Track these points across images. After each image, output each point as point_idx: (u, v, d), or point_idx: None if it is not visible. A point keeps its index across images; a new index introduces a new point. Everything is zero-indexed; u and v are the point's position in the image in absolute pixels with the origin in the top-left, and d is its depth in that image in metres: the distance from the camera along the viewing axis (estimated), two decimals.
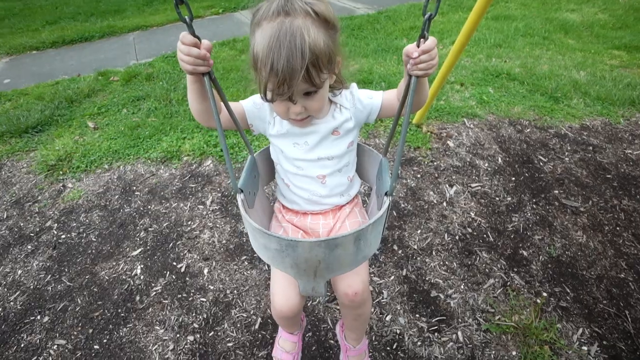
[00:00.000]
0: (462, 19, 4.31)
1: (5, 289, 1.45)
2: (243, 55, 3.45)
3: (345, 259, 0.68)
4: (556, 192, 1.75)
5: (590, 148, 2.04)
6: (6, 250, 1.62)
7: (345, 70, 0.80)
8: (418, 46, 0.60)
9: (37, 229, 1.72)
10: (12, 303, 1.40)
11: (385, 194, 0.73)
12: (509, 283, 1.33)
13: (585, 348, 1.15)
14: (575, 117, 2.33)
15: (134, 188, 1.92)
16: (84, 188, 1.95)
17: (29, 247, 1.63)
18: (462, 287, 1.32)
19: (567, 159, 1.97)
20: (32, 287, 1.45)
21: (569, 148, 2.05)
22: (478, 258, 1.43)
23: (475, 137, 2.14)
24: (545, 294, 1.29)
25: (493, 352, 1.14)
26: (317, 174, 0.86)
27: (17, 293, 1.43)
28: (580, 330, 1.19)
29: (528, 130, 2.22)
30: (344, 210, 0.92)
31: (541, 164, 1.93)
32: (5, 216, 1.81)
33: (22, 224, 1.76)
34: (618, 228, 1.56)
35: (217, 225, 1.65)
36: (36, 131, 2.48)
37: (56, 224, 1.74)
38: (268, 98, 0.71)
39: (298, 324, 1.02)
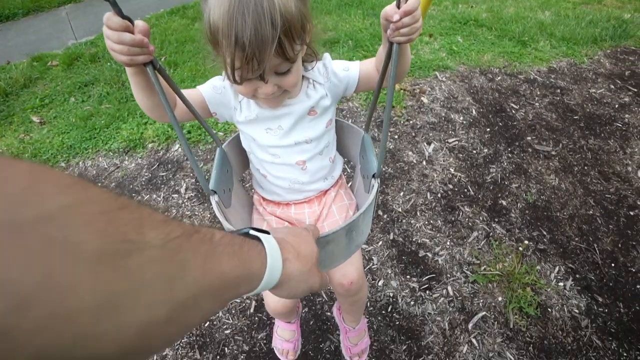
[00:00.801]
0: None
1: None
2: (197, 23, 3.15)
3: (338, 253, 0.66)
4: (529, 138, 1.79)
5: (558, 91, 2.08)
6: None
7: (317, 38, 0.69)
8: (398, 7, 0.52)
9: None
10: None
11: (373, 176, 0.69)
12: (491, 234, 1.39)
13: (561, 284, 1.24)
14: (542, 60, 2.34)
15: (99, 184, 1.78)
16: None
17: None
18: (448, 243, 1.37)
19: (537, 104, 2.00)
20: None
21: (538, 93, 2.08)
22: (461, 213, 1.46)
23: (448, 91, 2.11)
24: (525, 241, 1.36)
25: (481, 300, 1.21)
26: (295, 160, 0.77)
27: None
28: (557, 268, 1.28)
29: (499, 78, 2.21)
30: (329, 195, 0.85)
31: (513, 111, 1.96)
32: None
33: None
34: (586, 167, 1.63)
35: (196, 213, 1.58)
36: None
37: None
38: (236, 79, 0.59)
39: (294, 312, 1.01)
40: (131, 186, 1.75)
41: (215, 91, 0.72)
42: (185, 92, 0.64)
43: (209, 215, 1.57)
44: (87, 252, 0.20)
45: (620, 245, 1.34)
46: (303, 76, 0.73)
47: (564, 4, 3.01)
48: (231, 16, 0.52)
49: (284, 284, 0.43)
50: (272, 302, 0.86)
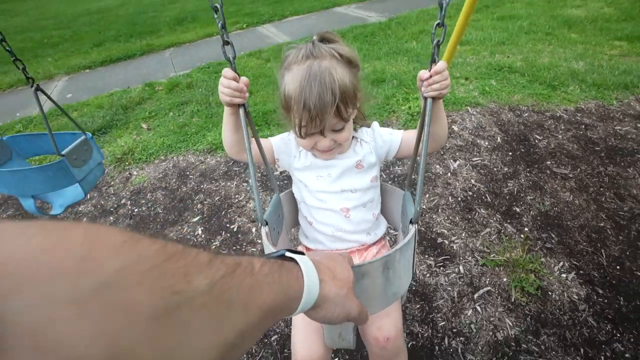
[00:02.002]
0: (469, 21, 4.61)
1: None
2: (269, 63, 3.88)
3: (374, 293, 0.64)
4: (548, 162, 2.01)
5: (583, 126, 2.29)
6: (94, 221, 2.04)
7: (366, 103, 0.86)
8: (429, 70, 0.65)
9: (115, 205, 2.14)
10: None
11: (410, 221, 0.72)
12: (502, 231, 1.61)
13: (564, 275, 1.41)
14: (570, 101, 2.57)
15: (188, 173, 2.32)
16: (147, 174, 2.37)
17: (111, 218, 2.05)
18: (463, 234, 1.61)
19: (560, 136, 2.22)
20: None
21: (562, 127, 2.30)
22: (477, 213, 1.71)
23: (477, 122, 2.42)
24: (532, 238, 1.56)
25: (488, 279, 1.42)
26: (340, 206, 0.84)
27: None
28: (561, 263, 1.46)
29: (526, 114, 2.48)
30: (371, 251, 0.88)
31: (536, 141, 2.20)
32: (88, 197, 2.25)
33: (102, 202, 2.18)
34: (602, 189, 1.80)
35: (260, 197, 2.01)
36: (101, 133, 2.95)
37: (129, 202, 2.15)
38: (301, 134, 0.75)
39: None
40: (211, 176, 2.25)
41: (282, 142, 0.88)
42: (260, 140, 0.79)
43: (269, 199, 1.99)
44: (143, 312, 0.22)
45: (628, 253, 1.48)
46: (353, 136, 0.86)
47: (600, 56, 3.24)
48: (302, 87, 0.69)
49: (320, 305, 0.45)
50: (301, 354, 0.82)
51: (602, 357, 1.15)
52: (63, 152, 1.10)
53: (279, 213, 0.86)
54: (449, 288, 1.40)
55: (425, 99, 0.67)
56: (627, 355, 1.14)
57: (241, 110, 0.70)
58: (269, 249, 0.67)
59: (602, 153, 2.04)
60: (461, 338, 1.24)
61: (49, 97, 1.17)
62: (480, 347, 1.21)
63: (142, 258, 0.24)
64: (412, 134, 0.83)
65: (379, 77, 3.15)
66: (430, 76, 0.65)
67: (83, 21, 7.94)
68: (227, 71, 0.68)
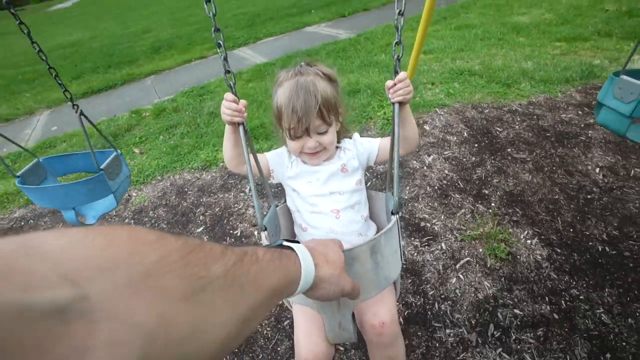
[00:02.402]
0: (430, 31, 5.03)
1: None
2: (250, 83, 4.10)
3: (366, 276, 0.70)
4: (509, 150, 2.30)
5: (535, 117, 2.62)
6: None
7: (346, 116, 0.99)
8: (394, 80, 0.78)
9: (118, 221, 2.24)
10: None
11: (392, 213, 0.79)
12: (475, 210, 1.85)
13: (529, 241, 1.65)
14: (523, 96, 2.92)
15: (186, 189, 2.46)
16: (146, 195, 2.49)
17: None
18: (442, 217, 1.84)
19: (517, 126, 2.53)
20: None
21: (518, 119, 2.62)
22: (452, 198, 1.95)
23: (445, 121, 2.71)
24: (500, 214, 1.81)
25: (466, 251, 1.65)
26: (330, 208, 0.93)
27: None
28: (526, 231, 1.70)
29: (487, 110, 2.79)
30: None
31: (497, 132, 2.50)
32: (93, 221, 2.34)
33: (106, 222, 2.28)
34: (554, 167, 2.09)
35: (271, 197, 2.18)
36: None
37: (132, 221, 2.27)
38: (291, 135, 0.88)
39: None
40: (209, 190, 2.40)
41: (276, 155, 1.02)
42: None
43: (266, 205, 2.16)
44: (177, 294, 0.28)
45: (578, 218, 1.75)
46: (337, 146, 0.99)
47: (544, 56, 3.66)
48: (291, 96, 0.85)
49: (317, 285, 0.52)
50: (304, 349, 0.84)
51: (563, 302, 1.38)
52: (102, 167, 1.25)
53: (276, 224, 0.94)
54: (435, 262, 1.61)
55: (393, 104, 0.79)
56: (581, 297, 1.38)
57: (240, 128, 0.81)
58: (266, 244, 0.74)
59: (552, 138, 2.35)
60: (449, 302, 1.45)
61: (90, 123, 1.31)
62: (465, 307, 1.41)
63: (172, 251, 0.29)
64: (388, 140, 0.94)
65: (354, 88, 3.42)
66: (395, 84, 0.78)
67: (56, 55, 7.94)
68: (229, 95, 0.80)
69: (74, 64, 6.89)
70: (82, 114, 1.25)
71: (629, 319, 1.28)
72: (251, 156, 0.84)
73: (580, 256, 1.56)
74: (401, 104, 0.80)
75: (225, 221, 2.09)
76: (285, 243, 0.53)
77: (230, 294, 0.34)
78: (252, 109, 3.36)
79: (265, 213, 0.85)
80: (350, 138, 1.02)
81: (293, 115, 0.85)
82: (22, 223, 2.44)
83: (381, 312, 0.84)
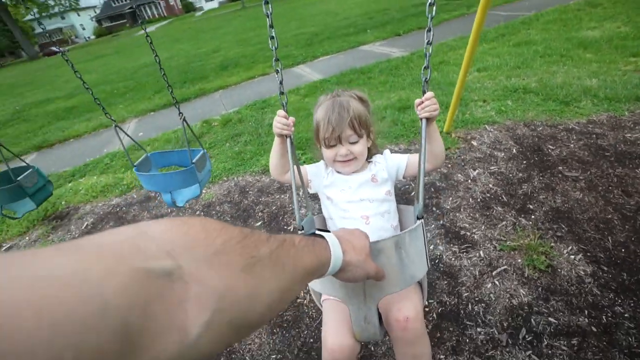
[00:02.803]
0: (486, 49, 5.00)
1: None
2: (306, 98, 4.47)
3: (391, 270, 0.75)
4: (560, 168, 2.27)
5: (594, 136, 2.53)
6: None
7: (377, 135, 1.12)
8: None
9: (191, 215, 2.65)
10: None
11: (417, 217, 0.83)
12: (517, 223, 1.89)
13: (572, 257, 1.66)
14: (582, 115, 2.82)
15: (247, 189, 2.81)
16: (214, 192, 2.89)
17: None
18: (482, 227, 1.91)
19: (572, 145, 2.48)
20: None
21: (574, 137, 2.56)
22: (494, 211, 2.01)
23: (494, 137, 2.74)
24: (544, 228, 1.83)
25: (504, 260, 1.70)
26: (360, 214, 1.02)
27: None
28: (570, 247, 1.71)
29: (540, 128, 2.76)
30: None
31: (549, 150, 2.47)
32: (169, 211, 2.79)
33: (181, 214, 2.70)
34: (610, 187, 2.03)
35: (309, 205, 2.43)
36: None
37: (202, 213, 2.66)
38: (326, 144, 1.03)
39: None
40: (267, 191, 2.72)
41: (315, 167, 1.14)
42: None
43: (317, 207, 2.40)
44: (239, 267, 0.37)
45: (633, 239, 1.70)
46: (369, 161, 1.12)
47: (614, 72, 3.46)
48: (327, 112, 1.01)
49: (345, 269, 0.61)
50: (331, 341, 0.90)
51: (604, 317, 1.38)
52: (194, 161, 1.61)
53: (314, 230, 0.98)
54: (471, 268, 1.70)
55: (421, 120, 0.92)
56: (625, 315, 1.37)
57: (288, 140, 0.96)
58: None
59: (612, 157, 2.27)
60: (482, 304, 1.53)
61: (189, 127, 1.69)
62: (498, 310, 1.48)
63: (232, 237, 0.38)
64: (416, 156, 1.04)
65: (404, 105, 3.58)
66: (422, 102, 0.91)
67: (142, 73, 9.28)
68: (281, 112, 0.97)
69: (156, 80, 8.00)
70: (184, 120, 1.60)
71: None
72: (295, 168, 0.95)
73: (630, 276, 1.53)
74: (428, 120, 0.92)
75: (280, 218, 2.37)
76: (317, 232, 0.63)
77: (275, 270, 0.42)
78: (308, 122, 3.69)
79: (303, 219, 0.93)
80: (381, 154, 1.14)
81: (328, 126, 1.01)
82: (118, 209, 2.98)
83: (406, 307, 0.88)
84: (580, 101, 3.02)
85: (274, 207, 2.50)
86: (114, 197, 3.18)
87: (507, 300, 1.52)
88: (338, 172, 1.11)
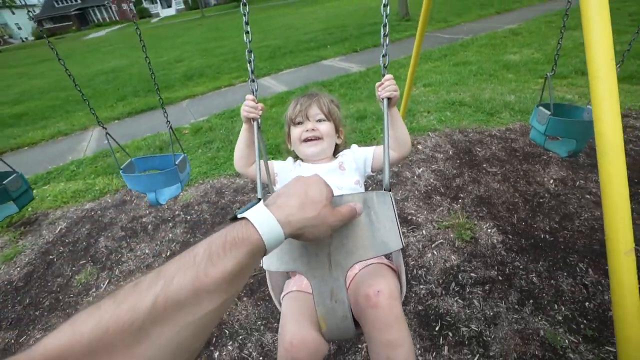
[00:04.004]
0: (431, 67, 5.72)
1: (167, 243, 2.53)
2: (273, 108, 4.81)
3: (361, 232, 0.66)
4: (484, 165, 2.84)
5: (509, 140, 3.17)
6: (158, 227, 2.73)
7: (345, 131, 1.22)
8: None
9: (171, 216, 2.84)
10: (173, 248, 2.47)
11: (385, 190, 0.76)
12: (450, 208, 2.39)
13: (489, 230, 2.17)
14: (502, 124, 3.49)
15: (223, 190, 3.07)
16: (191, 194, 3.10)
17: (170, 224, 2.74)
18: (425, 212, 2.38)
19: (493, 147, 3.09)
20: (181, 240, 2.54)
21: (495, 142, 3.18)
22: (434, 199, 2.49)
23: (435, 142, 3.29)
24: (470, 211, 2.34)
25: (440, 236, 2.17)
26: None
27: (174, 244, 2.52)
28: (488, 223, 2.22)
29: (471, 134, 3.37)
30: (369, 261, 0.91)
31: (477, 152, 3.06)
32: (148, 212, 2.95)
33: (160, 215, 2.88)
34: (518, 179, 2.62)
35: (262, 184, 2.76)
36: None
37: (182, 213, 2.87)
38: (294, 122, 1.12)
39: None
40: (242, 191, 3.00)
41: (281, 162, 1.18)
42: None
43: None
44: (125, 349, 0.34)
45: (530, 215, 2.26)
46: (336, 155, 1.18)
47: (527, 91, 4.26)
48: (298, 98, 1.18)
49: (300, 234, 0.54)
50: (289, 335, 0.74)
51: (507, 269, 1.88)
52: (176, 163, 1.86)
53: (235, 213, 0.90)
54: (417, 243, 2.14)
55: (382, 100, 0.92)
56: (520, 267, 1.88)
57: (255, 124, 0.95)
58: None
59: (521, 157, 2.90)
60: (424, 269, 1.96)
61: (115, 141, 1.95)
62: (436, 272, 1.93)
63: (104, 325, 0.35)
64: (382, 147, 0.96)
65: (362, 115, 4.07)
66: (382, 83, 0.93)
67: (100, 80, 8.99)
68: (250, 96, 0.98)
69: (116, 87, 7.85)
70: (171, 127, 1.87)
71: (552, 281, 1.77)
72: (261, 156, 0.93)
73: (526, 241, 2.06)
74: (389, 100, 0.92)
75: None
76: (239, 215, 0.51)
77: (169, 317, 0.37)
78: (275, 130, 4.03)
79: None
80: (349, 148, 1.21)
81: (297, 106, 1.12)
82: (92, 213, 3.07)
83: (378, 282, 0.76)
84: (502, 113, 3.71)
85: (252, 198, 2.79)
86: (87, 202, 3.24)
87: (442, 264, 1.97)
88: (304, 160, 1.16)
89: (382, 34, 0.87)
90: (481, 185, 2.61)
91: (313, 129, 1.12)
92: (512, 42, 6.67)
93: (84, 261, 2.45)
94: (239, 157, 1.10)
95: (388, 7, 0.86)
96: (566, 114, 1.87)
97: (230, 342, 1.72)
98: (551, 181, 2.55)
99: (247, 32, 0.96)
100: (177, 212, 2.88)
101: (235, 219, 0.51)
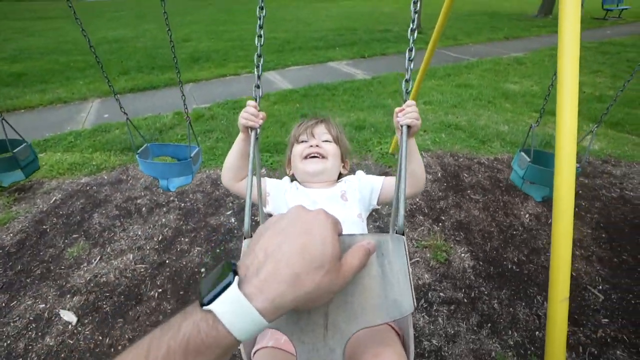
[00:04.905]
0: (434, 85, 5.89)
1: (159, 227, 2.63)
2: (276, 105, 4.90)
3: (370, 286, 0.51)
4: (469, 191, 3.02)
5: (496, 170, 3.36)
6: (152, 211, 2.82)
7: (349, 157, 1.15)
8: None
9: (166, 201, 2.94)
10: (165, 233, 2.58)
11: (397, 232, 0.64)
12: (431, 229, 2.55)
13: (463, 255, 2.34)
14: (492, 153, 3.68)
15: (219, 182, 3.17)
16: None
17: (164, 209, 2.84)
18: (407, 230, 2.54)
19: (480, 175, 3.27)
20: (174, 226, 2.64)
21: (483, 170, 3.36)
22: (417, 218, 2.66)
23: (427, 162, 3.46)
24: (448, 234, 2.51)
25: (418, 254, 2.33)
26: None
27: (166, 229, 2.62)
28: (463, 248, 2.39)
29: (461, 159, 3.54)
30: None
31: (464, 177, 3.23)
32: (143, 194, 3.04)
33: (155, 198, 2.97)
34: (497, 209, 2.81)
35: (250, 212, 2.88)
36: None
37: (176, 199, 2.96)
38: (297, 139, 1.04)
39: None
40: None
41: (275, 180, 1.07)
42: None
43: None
44: None
45: (502, 245, 2.44)
46: (339, 180, 1.06)
47: (520, 123, 4.46)
48: (303, 119, 1.12)
49: (291, 312, 0.40)
50: None
51: (473, 293, 2.05)
52: (191, 155, 1.97)
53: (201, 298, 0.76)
54: None
55: (402, 128, 0.77)
56: (485, 292, 2.06)
57: (252, 134, 0.81)
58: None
59: (503, 188, 3.08)
60: None
61: (133, 126, 2.04)
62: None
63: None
64: (392, 179, 0.93)
65: (361, 125, 4.20)
66: (403, 109, 0.81)
67: (103, 49, 8.87)
68: (251, 102, 0.85)
69: (120, 60, 7.79)
70: (190, 123, 1.97)
71: (511, 308, 1.95)
72: (255, 169, 0.77)
73: (495, 269, 2.24)
74: (409, 129, 0.79)
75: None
76: (205, 306, 0.37)
77: None
78: (275, 128, 4.13)
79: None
80: (354, 174, 1.09)
81: (302, 125, 1.07)
82: (88, 188, 3.14)
83: (383, 354, 0.65)
84: (493, 142, 3.90)
85: (242, 200, 2.90)
86: (83, 177, 3.30)
87: (416, 281, 2.13)
88: (302, 182, 1.05)
89: (407, 57, 0.78)
90: (463, 210, 2.78)
91: (318, 146, 1.04)
92: (514, 70, 6.88)
93: (76, 235, 2.54)
94: (229, 169, 0.99)
95: (415, 32, 0.78)
96: (544, 161, 2.04)
97: None
98: (527, 215, 2.74)
99: (260, 36, 0.85)
100: (171, 198, 2.97)
101: (202, 302, 0.37)
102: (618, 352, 1.72)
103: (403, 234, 0.64)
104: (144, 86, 5.91)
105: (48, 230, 2.60)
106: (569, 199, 0.96)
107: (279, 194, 1.02)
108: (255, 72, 0.84)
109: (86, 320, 1.89)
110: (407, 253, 0.60)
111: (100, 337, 1.80)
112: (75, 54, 8.27)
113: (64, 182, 3.22)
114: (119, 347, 1.74)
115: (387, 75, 6.32)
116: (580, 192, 3.01)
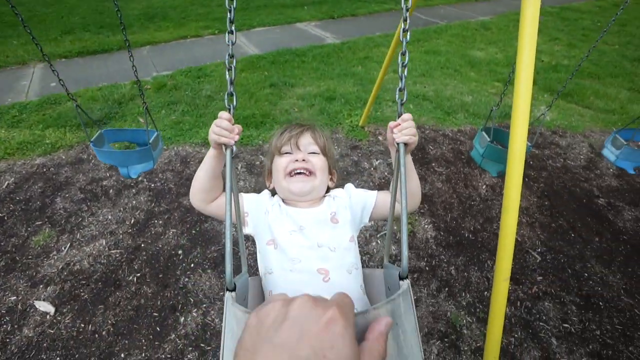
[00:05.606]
0: None
1: (130, 210, 2.59)
2: (243, 73, 4.68)
3: None
4: (433, 164, 3.20)
5: (459, 142, 3.55)
6: (120, 192, 2.74)
7: (336, 166, 1.01)
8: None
9: (134, 182, 2.85)
10: (137, 216, 2.54)
11: (400, 278, 0.62)
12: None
13: (426, 226, 2.55)
14: (456, 125, 3.85)
15: (188, 160, 3.10)
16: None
17: (134, 190, 2.77)
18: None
19: (444, 148, 3.45)
20: (145, 209, 2.60)
21: (447, 142, 3.54)
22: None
23: None
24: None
25: (384, 228, 2.51)
26: (317, 266, 0.75)
27: (138, 212, 2.58)
28: (426, 219, 2.60)
29: (427, 131, 3.69)
30: None
31: (429, 150, 3.40)
32: (108, 175, 2.91)
33: (122, 179, 2.87)
34: (458, 181, 3.03)
35: (246, 179, 2.90)
36: (102, 124, 3.53)
37: (145, 179, 2.88)
38: (280, 151, 0.87)
39: None
40: None
41: (254, 197, 0.92)
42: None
43: (254, 182, 2.87)
44: None
45: (461, 215, 2.68)
46: (327, 195, 0.91)
47: (484, 93, 4.64)
48: (285, 126, 0.94)
49: None
50: None
51: (433, 261, 2.29)
52: (150, 141, 1.90)
53: (245, 295, 0.71)
54: (364, 232, 2.47)
55: (398, 146, 0.70)
56: (445, 260, 2.30)
57: (227, 153, 0.67)
58: (228, 307, 0.56)
59: (465, 160, 3.30)
60: (368, 255, 2.31)
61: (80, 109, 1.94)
62: (377, 259, 2.28)
63: None
64: (386, 193, 0.84)
65: (331, 95, 4.17)
66: (399, 124, 0.73)
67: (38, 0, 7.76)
68: (224, 113, 0.71)
69: (60, 15, 6.89)
70: (147, 108, 1.88)
71: (465, 273, 2.22)
72: (231, 192, 0.66)
73: (454, 238, 2.48)
74: (406, 146, 0.72)
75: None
76: None
77: None
78: (244, 99, 4.00)
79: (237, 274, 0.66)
80: (342, 188, 0.95)
81: (284, 133, 0.90)
82: (45, 170, 2.95)
83: None
84: (457, 113, 4.06)
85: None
86: (37, 157, 3.08)
87: (383, 253, 2.32)
88: (285, 200, 0.90)
89: (399, 63, 0.72)
90: (427, 183, 2.97)
91: (304, 160, 0.89)
92: (481, 36, 6.96)
93: (40, 222, 2.44)
94: (199, 190, 0.85)
95: (408, 33, 0.74)
96: (504, 139, 2.21)
97: (195, 310, 1.94)
98: (484, 186, 2.99)
99: (232, 43, 0.76)
100: (140, 179, 2.89)
101: None
102: (546, 303, 2.05)
103: (407, 277, 0.61)
104: (94, 49, 5.34)
105: (6, 218, 2.47)
106: (515, 197, 1.10)
107: (259, 214, 0.89)
108: (227, 77, 0.74)
109: (65, 309, 1.91)
110: (413, 304, 0.57)
111: (83, 325, 1.84)
112: (0, 4, 7.16)
113: (15, 163, 2.99)
114: (103, 333, 1.80)
115: (356, 40, 6.16)
116: (530, 162, 3.30)
